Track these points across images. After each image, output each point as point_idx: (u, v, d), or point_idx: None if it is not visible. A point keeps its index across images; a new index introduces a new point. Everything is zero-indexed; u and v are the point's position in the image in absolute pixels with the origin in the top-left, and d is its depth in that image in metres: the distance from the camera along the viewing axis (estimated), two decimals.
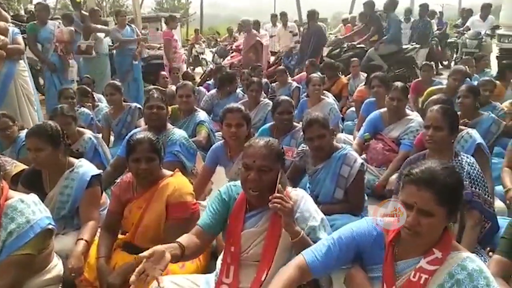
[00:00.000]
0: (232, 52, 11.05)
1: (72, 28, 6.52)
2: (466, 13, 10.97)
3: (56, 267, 2.18)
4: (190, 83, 4.60)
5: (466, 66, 6.27)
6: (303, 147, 3.00)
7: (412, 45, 8.75)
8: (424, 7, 9.80)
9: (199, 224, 1.96)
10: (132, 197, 2.39)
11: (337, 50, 8.50)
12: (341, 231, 1.69)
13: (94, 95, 5.50)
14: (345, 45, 8.60)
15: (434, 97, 3.59)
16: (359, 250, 1.65)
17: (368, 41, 8.27)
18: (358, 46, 8.39)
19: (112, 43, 7.84)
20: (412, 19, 10.33)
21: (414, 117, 3.89)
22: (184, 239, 1.84)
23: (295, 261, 1.67)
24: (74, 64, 6.56)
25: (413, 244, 1.53)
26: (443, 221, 1.47)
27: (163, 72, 6.72)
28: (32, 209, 1.96)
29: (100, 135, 3.96)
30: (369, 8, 8.28)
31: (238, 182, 2.00)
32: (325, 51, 8.82)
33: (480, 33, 9.06)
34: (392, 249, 1.57)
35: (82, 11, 7.50)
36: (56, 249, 2.25)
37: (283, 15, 10.32)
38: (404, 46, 8.37)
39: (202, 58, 13.02)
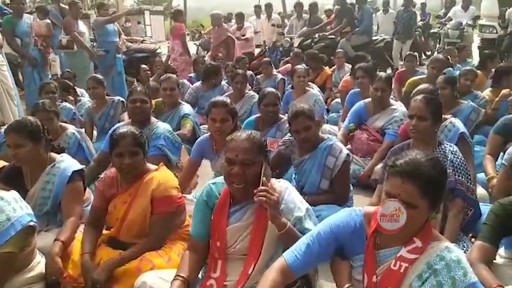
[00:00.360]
0: None
1: (49, 21, 6.36)
2: (449, 3, 11.05)
3: (39, 264, 2.14)
4: (174, 76, 4.55)
5: (449, 56, 6.36)
6: (290, 136, 3.00)
7: (381, 36, 8.92)
8: None
9: (192, 235, 1.99)
10: (116, 192, 2.36)
11: (308, 41, 8.48)
12: (320, 226, 1.69)
13: (76, 90, 5.40)
14: (316, 36, 8.58)
15: (421, 86, 3.62)
16: (339, 243, 1.65)
17: (340, 32, 8.32)
18: (329, 37, 8.41)
19: (94, 37, 7.68)
20: (390, 11, 10.20)
21: (398, 107, 3.92)
22: (184, 267, 1.87)
23: (277, 263, 1.67)
24: (56, 59, 6.41)
25: (395, 234, 1.53)
26: (426, 212, 1.48)
27: (143, 66, 6.61)
28: (13, 206, 1.92)
29: (83, 130, 3.89)
30: (340, 0, 8.31)
31: (218, 179, 2.00)
32: (296, 41, 8.78)
33: (462, 23, 9.16)
34: (374, 239, 1.58)
35: (61, 4, 7.32)
36: (39, 246, 2.21)
37: (268, 6, 10.04)
38: (373, 38, 8.51)
39: None
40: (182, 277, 1.82)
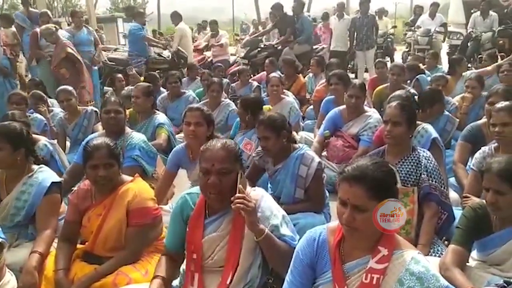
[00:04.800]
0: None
1: (14, 29, 6.18)
2: (418, 10, 11.30)
3: (9, 283, 2.06)
4: (144, 84, 4.50)
5: (420, 64, 6.55)
6: None
7: (320, 45, 9.00)
8: (366, 1, 8.52)
9: (166, 246, 2.00)
10: (90, 205, 2.31)
11: (255, 51, 8.48)
12: (292, 258, 1.69)
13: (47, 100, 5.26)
14: (262, 45, 8.60)
15: (397, 92, 3.69)
16: (311, 266, 1.64)
17: (285, 42, 8.32)
18: (274, 46, 8.45)
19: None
20: (345, 16, 9.27)
21: (372, 113, 3.98)
22: (161, 269, 1.91)
23: None
24: (23, 60, 6.20)
25: (357, 242, 1.55)
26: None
27: (119, 75, 6.50)
28: None
29: (55, 141, 3.80)
30: (277, 10, 8.40)
31: (194, 190, 1.99)
32: (241, 52, 8.77)
33: (430, 30, 9.40)
34: (339, 251, 1.58)
35: (30, 8, 7.13)
36: (8, 262, 2.13)
37: (212, 23, 9.55)
38: (314, 47, 8.62)
39: None
40: (161, 276, 1.86)
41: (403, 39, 11.47)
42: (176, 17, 8.64)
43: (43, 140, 3.41)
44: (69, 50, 6.09)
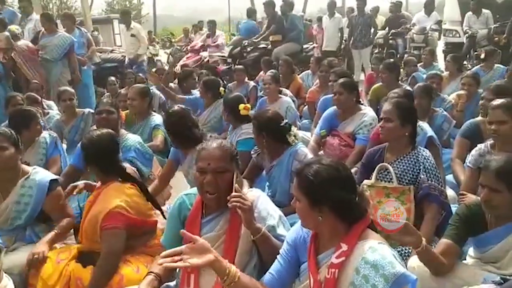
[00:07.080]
0: (187, 53, 10.92)
1: (7, 33, 6.16)
2: (395, 8, 11.17)
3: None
4: (139, 85, 4.49)
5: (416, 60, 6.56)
6: None
7: (310, 44, 9.01)
8: (361, 0, 8.59)
9: (164, 246, 2.00)
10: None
11: (238, 49, 8.41)
12: (284, 241, 1.76)
13: (43, 102, 5.24)
14: (246, 43, 8.50)
15: (396, 90, 3.68)
16: (294, 247, 1.71)
17: (268, 37, 8.32)
18: (260, 46, 8.36)
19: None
20: (336, 15, 9.32)
21: (367, 111, 3.95)
22: (157, 266, 1.91)
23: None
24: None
25: (321, 236, 1.61)
26: (308, 210, 1.55)
27: (112, 78, 6.45)
28: None
29: (55, 134, 3.81)
30: (269, 8, 8.35)
31: (192, 190, 2.00)
32: (226, 50, 8.75)
33: (426, 28, 9.41)
34: (315, 241, 1.64)
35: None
36: (6, 267, 2.13)
37: (125, 13, 8.72)
38: (305, 46, 8.62)
39: (157, 60, 12.76)
40: (155, 273, 1.88)
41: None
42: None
43: (44, 132, 3.47)
44: (18, 47, 5.97)
